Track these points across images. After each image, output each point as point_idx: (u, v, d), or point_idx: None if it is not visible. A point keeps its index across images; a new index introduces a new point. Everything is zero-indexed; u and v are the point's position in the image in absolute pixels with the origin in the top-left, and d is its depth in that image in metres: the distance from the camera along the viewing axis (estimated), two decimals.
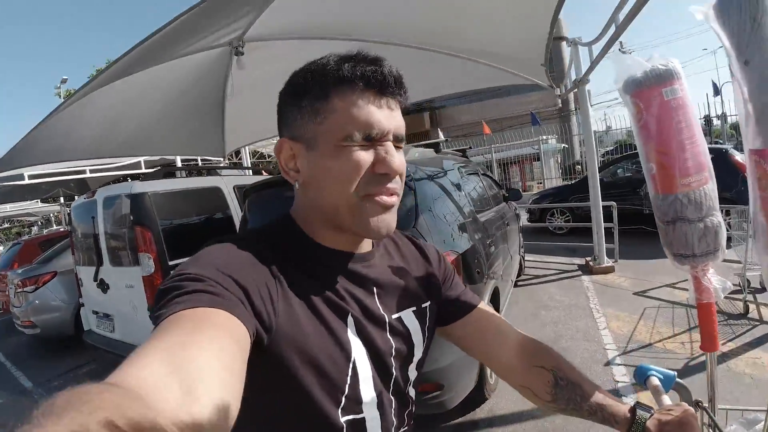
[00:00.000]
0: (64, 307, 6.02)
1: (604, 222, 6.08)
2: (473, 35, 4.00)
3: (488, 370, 3.06)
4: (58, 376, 5.31)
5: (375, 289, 0.78)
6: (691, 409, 0.78)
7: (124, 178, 6.64)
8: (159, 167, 7.76)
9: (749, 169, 0.94)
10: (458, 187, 3.35)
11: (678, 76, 1.28)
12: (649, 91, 1.29)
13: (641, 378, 0.94)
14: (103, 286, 4.53)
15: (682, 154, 1.28)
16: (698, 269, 1.40)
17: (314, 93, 0.69)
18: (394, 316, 0.79)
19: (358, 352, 0.71)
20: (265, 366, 0.62)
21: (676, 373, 0.93)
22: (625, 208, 7.43)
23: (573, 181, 10.09)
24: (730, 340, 3.51)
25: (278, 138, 0.76)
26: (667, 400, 0.87)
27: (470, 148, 6.47)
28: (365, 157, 0.67)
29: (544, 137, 16.18)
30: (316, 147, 0.69)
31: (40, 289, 6.07)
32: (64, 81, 24.08)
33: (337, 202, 0.69)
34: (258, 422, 0.66)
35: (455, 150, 4.94)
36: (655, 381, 0.92)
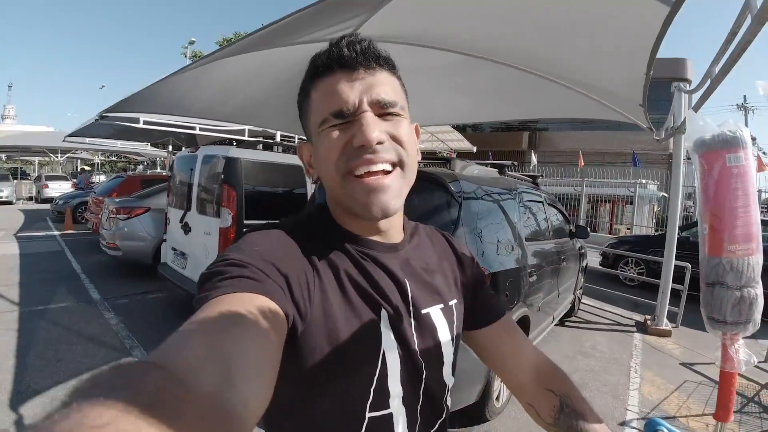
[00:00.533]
0: (149, 239, 6.70)
1: (675, 283, 5.79)
2: (574, 64, 3.97)
3: (495, 393, 3.15)
4: (124, 296, 5.89)
5: (407, 282, 0.77)
6: None
7: (229, 141, 7.21)
8: (260, 137, 8.40)
9: None
10: (511, 211, 3.44)
11: (744, 145, 1.30)
12: (715, 154, 1.33)
13: (650, 430, 0.95)
14: (186, 228, 5.15)
15: (733, 221, 1.30)
16: (727, 337, 1.42)
17: (303, 94, 0.75)
18: (424, 311, 0.78)
19: (389, 345, 0.71)
20: (299, 354, 0.64)
21: None
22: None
23: (656, 233, 9.51)
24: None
25: None
26: None
27: (541, 176, 6.36)
28: (340, 135, 0.68)
29: (644, 181, 15.23)
30: (312, 141, 0.74)
31: (131, 219, 6.80)
32: (192, 42, 25.92)
33: (332, 185, 0.72)
34: (286, 410, 0.69)
35: (525, 175, 4.94)
36: None
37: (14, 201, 20.04)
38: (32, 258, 8.03)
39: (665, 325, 5.64)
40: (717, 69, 3.24)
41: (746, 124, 29.86)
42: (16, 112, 70.87)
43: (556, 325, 5.13)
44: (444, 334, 0.79)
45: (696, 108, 4.49)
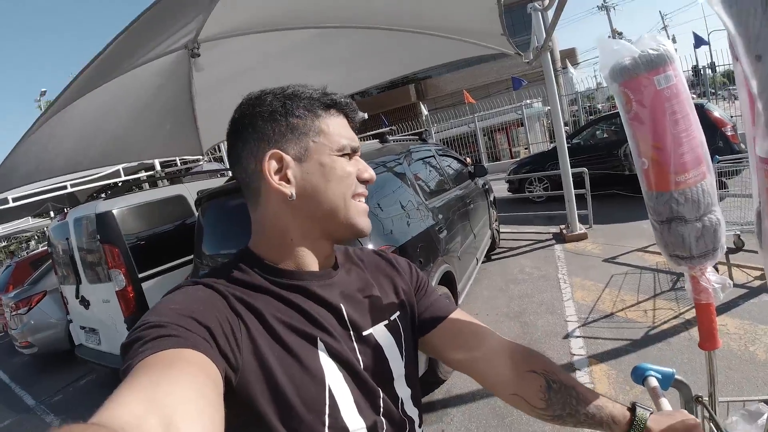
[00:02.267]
0: (58, 324, 6.12)
1: (580, 188, 6.05)
2: (430, 12, 3.93)
3: None
4: (58, 391, 5.43)
5: (342, 306, 0.76)
6: (693, 418, 0.75)
7: (104, 189, 6.63)
8: (140, 171, 7.76)
9: (758, 179, 0.82)
10: (403, 177, 3.34)
11: (671, 61, 1.15)
12: (639, 79, 1.18)
13: (638, 378, 0.91)
14: (85, 303, 4.63)
15: (678, 149, 1.16)
16: (696, 270, 1.31)
17: (304, 114, 0.75)
18: (365, 332, 0.77)
19: (334, 377, 0.69)
20: (237, 407, 0.61)
21: (675, 371, 0.90)
22: (603, 172, 7.37)
23: (550, 148, 9.99)
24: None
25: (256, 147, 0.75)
26: (665, 403, 0.83)
27: (426, 130, 6.40)
28: (352, 166, 0.77)
29: (528, 101, 15.89)
30: (308, 159, 0.74)
31: (32, 310, 6.18)
32: (43, 93, 23.63)
33: (338, 202, 0.75)
34: None
35: (409, 134, 4.87)
36: (653, 382, 0.88)
37: None
38: None
39: (579, 229, 5.92)
40: None
41: (610, 23, 31.19)
42: None
43: (483, 262, 5.20)
44: (391, 350, 0.79)
45: (553, 23, 4.57)
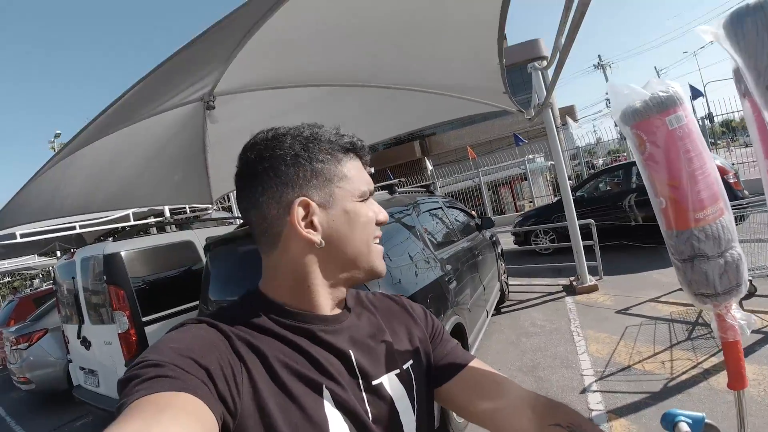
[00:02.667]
0: (57, 363, 6.02)
1: (587, 240, 6.00)
2: (436, 72, 4.06)
3: (454, 413, 2.95)
4: (53, 430, 5.37)
5: (351, 353, 0.72)
6: None
7: (112, 232, 6.66)
8: (150, 217, 7.77)
9: None
10: (412, 228, 3.31)
11: (681, 102, 1.16)
12: (651, 120, 1.18)
13: (669, 425, 0.86)
14: (86, 344, 4.53)
15: (694, 186, 1.15)
16: (721, 307, 1.27)
17: (326, 158, 0.73)
18: (375, 381, 0.72)
19: (339, 428, 0.64)
20: None
21: (705, 415, 0.85)
22: (609, 223, 7.35)
23: (554, 201, 10.04)
24: (713, 355, 3.38)
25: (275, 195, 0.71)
26: None
27: (433, 183, 6.46)
28: (371, 210, 0.76)
29: (530, 156, 16.11)
30: (333, 205, 0.72)
31: (33, 346, 6.15)
32: (57, 135, 24.25)
33: (362, 248, 0.74)
34: None
35: (417, 186, 4.90)
36: (684, 427, 0.84)
37: None
38: None
39: (589, 281, 5.81)
40: (563, 39, 3.35)
41: (606, 80, 31.82)
42: None
43: (492, 315, 5.08)
44: (402, 402, 0.74)
45: (553, 81, 4.69)
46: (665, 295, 4.88)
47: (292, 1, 2.23)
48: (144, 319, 4.01)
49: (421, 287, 2.86)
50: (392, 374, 0.75)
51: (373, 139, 5.77)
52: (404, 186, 6.00)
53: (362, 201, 0.75)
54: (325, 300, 0.73)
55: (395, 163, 24.32)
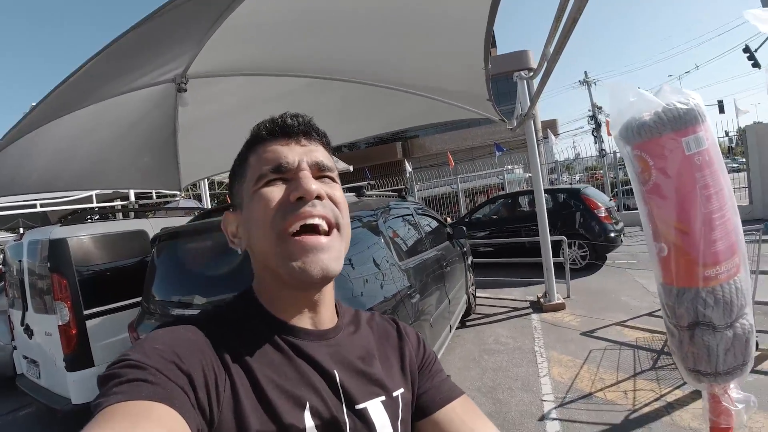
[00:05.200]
0: (4, 348, 5.52)
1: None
2: (419, 72, 3.86)
3: None
4: None
5: (336, 373, 0.64)
6: None
7: (73, 213, 6.30)
8: (116, 200, 7.37)
9: None
10: (378, 234, 3.04)
11: (703, 119, 0.86)
12: (663, 140, 0.87)
13: None
14: (29, 332, 4.16)
15: (710, 234, 0.87)
16: (719, 388, 0.97)
17: (239, 161, 0.69)
18: (359, 406, 0.65)
19: None
20: None
21: None
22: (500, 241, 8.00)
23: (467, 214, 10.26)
24: (677, 387, 3.20)
25: None
26: None
27: (406, 188, 6.27)
28: (278, 189, 0.63)
29: (510, 167, 16.02)
30: (242, 206, 0.66)
31: None
32: (33, 108, 23.60)
33: (265, 247, 0.62)
34: None
35: (389, 190, 4.64)
36: None
37: None
38: None
39: (557, 299, 5.62)
40: (551, 49, 3.15)
41: (591, 97, 30.37)
42: None
43: (457, 328, 4.85)
44: (384, 430, 0.66)
45: (538, 91, 4.48)
46: (632, 319, 4.74)
47: None
48: (86, 312, 3.66)
49: (381, 300, 2.60)
50: (377, 400, 0.68)
51: (353, 136, 5.58)
52: (375, 189, 5.72)
53: (265, 185, 0.63)
54: (296, 309, 0.66)
55: (375, 162, 24.17)
